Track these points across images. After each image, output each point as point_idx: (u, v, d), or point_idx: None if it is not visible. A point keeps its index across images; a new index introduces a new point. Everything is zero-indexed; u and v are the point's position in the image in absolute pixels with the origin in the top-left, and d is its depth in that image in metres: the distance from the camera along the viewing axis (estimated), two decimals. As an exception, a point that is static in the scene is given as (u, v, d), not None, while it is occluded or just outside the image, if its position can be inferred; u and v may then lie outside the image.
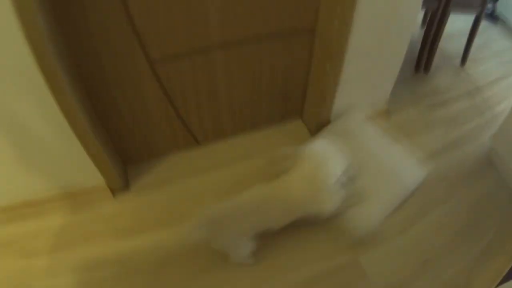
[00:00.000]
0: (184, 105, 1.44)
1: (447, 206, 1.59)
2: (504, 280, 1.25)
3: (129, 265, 1.29)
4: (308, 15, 1.36)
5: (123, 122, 1.38)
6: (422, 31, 2.14)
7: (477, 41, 2.37)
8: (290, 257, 1.33)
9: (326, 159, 1.13)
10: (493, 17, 2.83)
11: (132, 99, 1.32)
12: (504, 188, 1.71)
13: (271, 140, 1.74)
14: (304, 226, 1.32)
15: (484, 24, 2.82)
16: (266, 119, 1.73)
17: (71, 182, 1.37)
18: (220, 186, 1.51)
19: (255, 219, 1.16)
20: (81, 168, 1.30)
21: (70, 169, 1.31)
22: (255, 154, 1.64)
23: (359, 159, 1.39)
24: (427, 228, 1.49)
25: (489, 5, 2.77)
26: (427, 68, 2.24)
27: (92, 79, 1.20)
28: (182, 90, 1.38)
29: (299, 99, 1.71)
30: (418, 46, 2.18)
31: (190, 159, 1.60)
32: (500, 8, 2.79)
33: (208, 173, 1.56)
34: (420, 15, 2.47)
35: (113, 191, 1.44)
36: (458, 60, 2.37)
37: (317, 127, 1.71)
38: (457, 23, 2.43)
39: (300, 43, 1.46)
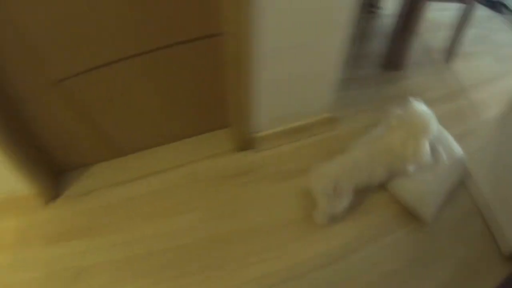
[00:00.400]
0: (102, 117, 1.38)
1: (409, 229, 1.35)
2: None
3: (54, 270, 1.27)
4: (212, 20, 1.15)
5: (44, 135, 1.35)
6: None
7: (474, 32, 2.01)
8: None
9: (427, 118, 1.29)
10: (498, 4, 2.43)
11: (42, 115, 1.28)
12: (473, 216, 1.40)
13: (194, 150, 1.58)
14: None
15: (487, 13, 2.43)
16: (190, 129, 1.61)
17: (4, 189, 1.37)
18: (144, 196, 1.46)
19: (365, 174, 1.28)
20: (12, 177, 1.30)
21: (2, 177, 1.30)
22: (179, 163, 1.54)
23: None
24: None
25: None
26: (399, 64, 1.88)
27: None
28: (95, 103, 1.31)
29: (219, 109, 1.50)
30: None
31: (116, 169, 1.54)
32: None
33: (133, 183, 1.50)
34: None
35: (45, 199, 1.44)
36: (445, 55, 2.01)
37: (242, 138, 1.50)
38: (447, 12, 2.04)
39: (210, 51, 1.25)
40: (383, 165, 1.31)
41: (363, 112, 1.69)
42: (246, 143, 1.52)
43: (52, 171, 1.48)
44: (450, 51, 1.96)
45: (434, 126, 1.31)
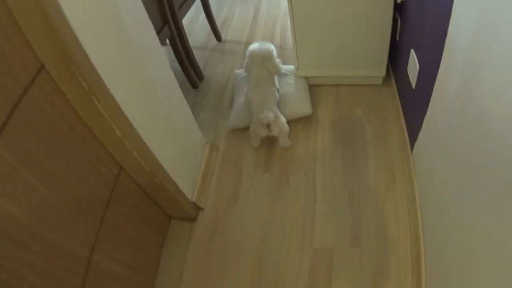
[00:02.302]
0: None
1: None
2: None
3: None
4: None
5: None
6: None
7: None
8: None
9: (265, 47, 1.74)
10: None
11: None
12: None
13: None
14: None
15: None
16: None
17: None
18: None
19: (266, 102, 1.68)
20: None
21: None
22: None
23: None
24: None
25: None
26: (199, 78, 2.19)
27: None
28: None
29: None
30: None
31: None
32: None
33: None
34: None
35: None
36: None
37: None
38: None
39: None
40: (271, 87, 1.72)
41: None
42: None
43: None
44: (215, 33, 2.41)
45: (271, 46, 1.76)
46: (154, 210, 1.53)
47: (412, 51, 1.45)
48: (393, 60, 1.90)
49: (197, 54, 2.30)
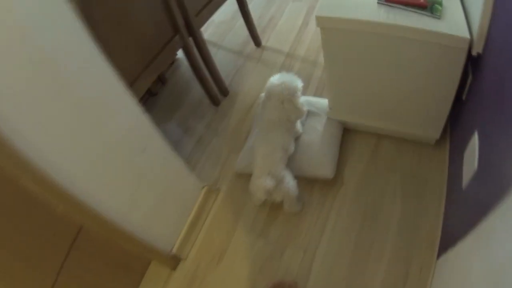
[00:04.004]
0: None
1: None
2: None
3: None
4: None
5: None
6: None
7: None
8: None
9: (288, 81, 1.41)
10: None
11: None
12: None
13: None
14: None
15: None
16: None
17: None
18: None
19: (279, 152, 1.39)
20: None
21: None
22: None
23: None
24: None
25: None
26: (223, 93, 1.92)
27: None
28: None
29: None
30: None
31: None
32: None
33: None
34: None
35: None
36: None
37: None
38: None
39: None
40: (284, 136, 1.41)
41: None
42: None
43: None
44: (253, 36, 2.09)
45: (296, 84, 1.41)
46: (126, 256, 1.39)
47: (476, 135, 1.04)
48: (452, 119, 1.46)
49: (229, 60, 2.04)
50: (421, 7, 1.16)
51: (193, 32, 1.62)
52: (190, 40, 1.63)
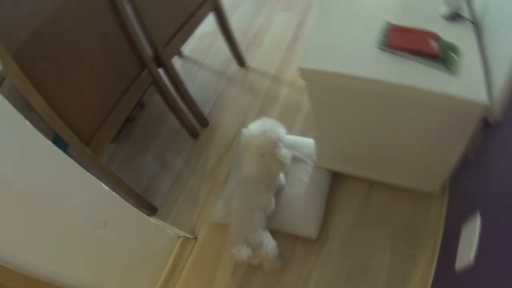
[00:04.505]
0: None
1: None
2: None
3: None
4: None
5: None
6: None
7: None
8: None
9: (266, 133, 1.23)
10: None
11: None
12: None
13: None
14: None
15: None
16: None
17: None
18: None
19: (257, 212, 1.26)
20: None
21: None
22: None
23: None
24: None
25: None
26: (202, 124, 1.77)
27: None
28: None
29: None
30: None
31: None
32: None
33: None
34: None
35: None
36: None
37: None
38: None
39: None
40: (263, 194, 1.27)
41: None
42: None
43: None
44: (237, 56, 1.91)
45: (278, 134, 1.25)
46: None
47: (478, 217, 0.90)
48: (455, 173, 1.29)
49: (210, 82, 1.87)
50: (433, 57, 0.96)
51: (163, 64, 1.45)
52: (160, 71, 1.47)
